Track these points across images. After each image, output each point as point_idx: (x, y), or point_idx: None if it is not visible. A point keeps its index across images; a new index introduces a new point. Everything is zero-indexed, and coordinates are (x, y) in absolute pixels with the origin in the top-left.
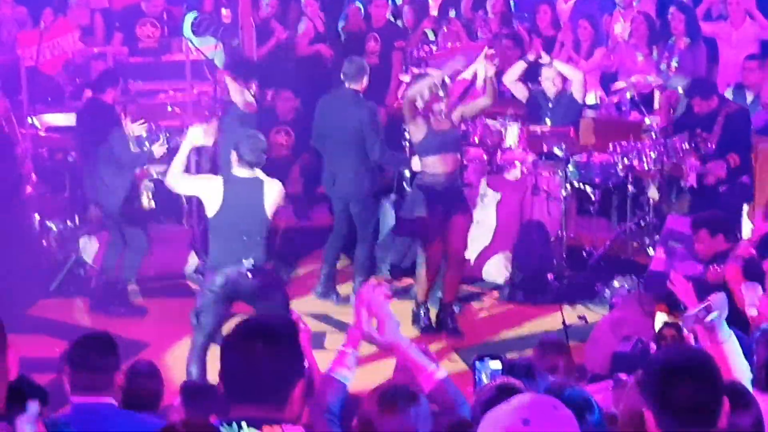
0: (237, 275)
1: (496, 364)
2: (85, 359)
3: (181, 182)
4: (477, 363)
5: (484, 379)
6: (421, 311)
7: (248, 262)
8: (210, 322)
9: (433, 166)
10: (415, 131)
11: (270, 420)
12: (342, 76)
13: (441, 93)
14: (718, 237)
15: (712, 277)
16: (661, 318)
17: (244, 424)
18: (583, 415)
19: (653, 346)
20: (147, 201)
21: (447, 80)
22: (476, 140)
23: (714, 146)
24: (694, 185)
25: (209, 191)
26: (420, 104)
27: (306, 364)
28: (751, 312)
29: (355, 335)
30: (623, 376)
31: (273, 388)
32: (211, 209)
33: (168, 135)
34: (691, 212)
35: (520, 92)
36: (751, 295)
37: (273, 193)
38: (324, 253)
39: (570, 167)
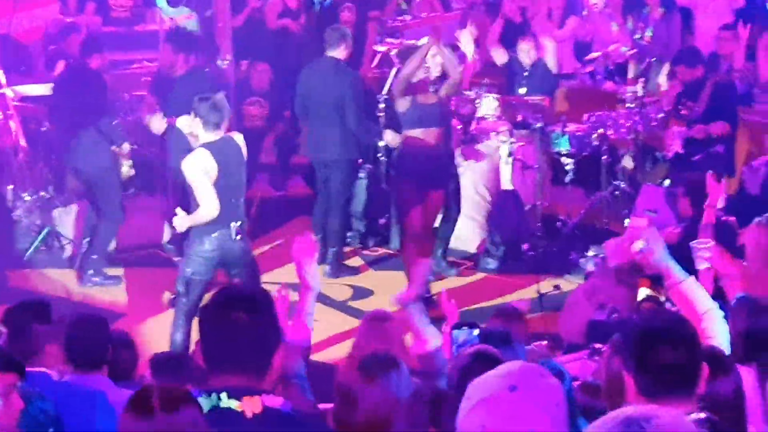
0: (227, 238)
1: (473, 333)
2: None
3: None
4: (454, 332)
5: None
6: None
7: (236, 225)
8: (200, 289)
9: (416, 138)
10: (402, 103)
11: (250, 390)
12: (324, 45)
13: (430, 66)
14: (685, 200)
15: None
16: (643, 292)
17: (224, 395)
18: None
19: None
20: (127, 169)
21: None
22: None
23: (700, 115)
24: (680, 151)
25: (211, 172)
26: (414, 80)
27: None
28: (701, 266)
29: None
30: (599, 345)
31: (252, 357)
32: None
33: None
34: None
35: (500, 57)
36: (701, 251)
37: (244, 148)
38: (313, 227)
39: (545, 137)
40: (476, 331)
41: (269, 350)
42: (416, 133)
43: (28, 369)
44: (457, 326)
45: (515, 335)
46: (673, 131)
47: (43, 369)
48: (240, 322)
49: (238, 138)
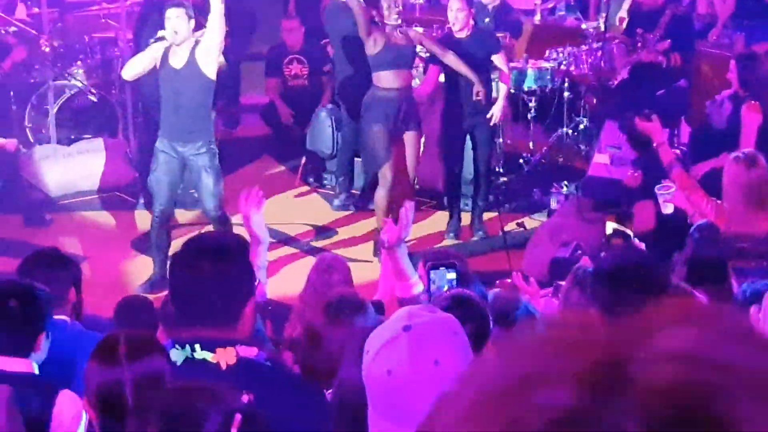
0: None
1: (451, 274)
2: (35, 276)
3: None
4: (432, 272)
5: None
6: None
7: None
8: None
9: (386, 80)
10: (372, 45)
11: (223, 341)
12: None
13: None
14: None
15: (628, 182)
16: (610, 226)
17: (197, 346)
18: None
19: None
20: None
21: None
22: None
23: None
24: (626, 77)
25: None
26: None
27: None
28: (667, 210)
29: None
30: (562, 282)
31: (223, 307)
32: None
33: None
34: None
35: None
36: (664, 194)
37: None
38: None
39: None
40: (453, 274)
41: (241, 299)
42: (387, 74)
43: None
44: (435, 267)
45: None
46: (624, 61)
47: (63, 317)
48: (208, 272)
49: None
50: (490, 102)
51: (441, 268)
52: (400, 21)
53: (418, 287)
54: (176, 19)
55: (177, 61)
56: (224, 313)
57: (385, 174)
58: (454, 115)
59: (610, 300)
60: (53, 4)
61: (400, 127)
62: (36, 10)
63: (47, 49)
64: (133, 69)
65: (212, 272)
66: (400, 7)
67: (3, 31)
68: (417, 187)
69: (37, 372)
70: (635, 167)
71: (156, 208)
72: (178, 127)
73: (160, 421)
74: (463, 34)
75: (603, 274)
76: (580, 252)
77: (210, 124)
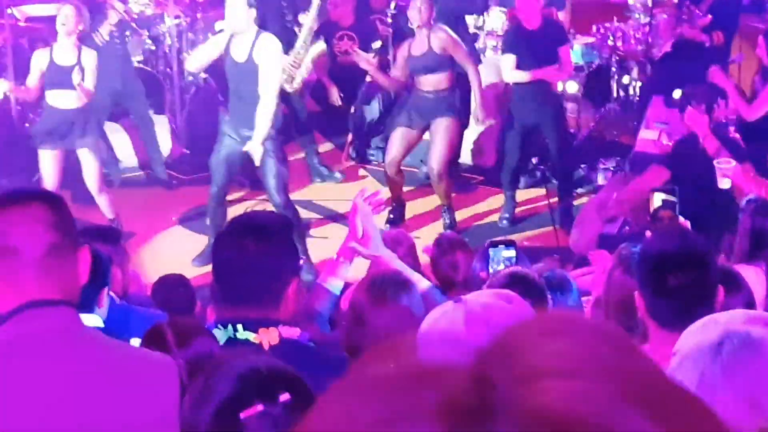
0: None
1: (509, 252)
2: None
3: None
4: (490, 250)
5: (496, 266)
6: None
7: None
8: None
9: (422, 84)
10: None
11: (265, 321)
12: None
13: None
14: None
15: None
16: (659, 197)
17: (240, 326)
18: (562, 293)
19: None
20: None
21: None
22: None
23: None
24: (669, 51)
25: None
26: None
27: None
28: (724, 184)
29: (351, 248)
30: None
31: (266, 287)
32: None
33: None
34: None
35: None
36: (723, 168)
37: None
38: None
39: None
40: (511, 251)
41: (284, 280)
42: (419, 79)
43: None
44: (494, 245)
45: (463, 263)
46: (665, 28)
47: (111, 294)
48: (251, 252)
49: None
50: (555, 95)
51: (500, 246)
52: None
53: (423, 284)
54: (234, 9)
55: (238, 53)
56: (267, 293)
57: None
58: (518, 107)
59: (656, 284)
60: None
61: (419, 121)
62: None
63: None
64: (198, 61)
65: (255, 252)
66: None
67: None
68: (464, 164)
69: (102, 326)
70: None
71: (213, 187)
72: (242, 114)
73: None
74: (534, 25)
75: (648, 258)
76: (627, 228)
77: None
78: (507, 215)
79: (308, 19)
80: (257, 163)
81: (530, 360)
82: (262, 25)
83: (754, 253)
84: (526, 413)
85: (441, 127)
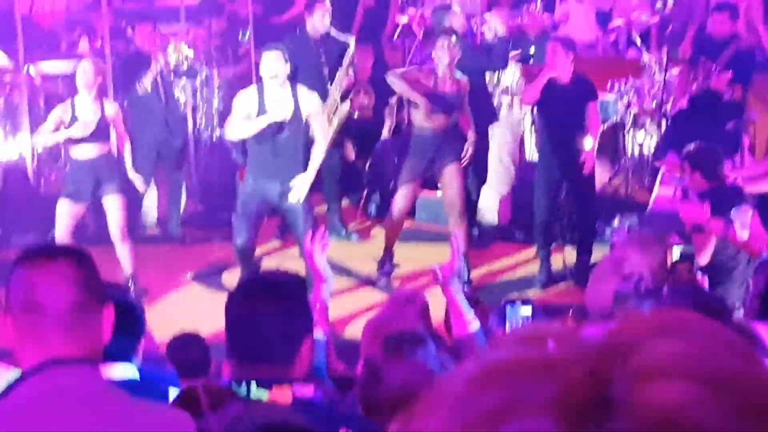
0: None
1: (526, 309)
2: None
3: None
4: (507, 307)
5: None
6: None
7: None
8: None
9: (420, 121)
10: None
11: (279, 379)
12: None
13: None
14: (696, 174)
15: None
16: (677, 250)
17: (253, 384)
18: None
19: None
20: None
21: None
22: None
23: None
24: (684, 107)
25: None
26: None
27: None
28: (743, 235)
29: (319, 287)
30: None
31: (280, 345)
32: None
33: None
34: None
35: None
36: (742, 217)
37: None
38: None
39: None
40: (528, 309)
41: (297, 338)
42: (422, 117)
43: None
44: (511, 302)
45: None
46: (680, 84)
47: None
48: (264, 310)
49: None
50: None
51: (516, 304)
52: (448, 62)
53: (475, 324)
54: (273, 63)
55: (279, 108)
56: (280, 351)
57: (400, 210)
58: (546, 165)
59: None
60: (117, 35)
61: (432, 161)
62: (99, 43)
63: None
64: (243, 131)
65: (268, 310)
66: (455, 52)
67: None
68: (482, 221)
69: (138, 377)
70: (701, 199)
71: (237, 242)
72: (273, 165)
73: None
74: (564, 80)
75: None
76: (643, 284)
77: (301, 159)
78: (542, 276)
79: (341, 74)
80: (293, 199)
81: (648, 358)
82: (297, 78)
83: (766, 314)
84: (643, 411)
85: (452, 176)
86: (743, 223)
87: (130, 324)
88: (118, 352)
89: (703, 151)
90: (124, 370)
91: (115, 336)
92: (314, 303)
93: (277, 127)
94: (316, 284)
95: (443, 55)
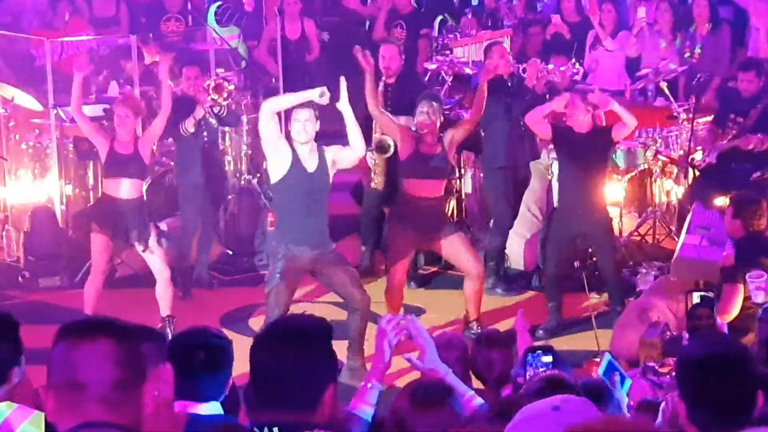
0: None
1: (547, 357)
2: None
3: None
4: (529, 356)
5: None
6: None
7: None
8: None
9: (412, 189)
10: (402, 150)
11: (302, 425)
12: None
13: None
14: (737, 221)
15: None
16: (696, 296)
17: (276, 429)
18: (600, 402)
19: (685, 335)
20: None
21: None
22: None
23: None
24: (713, 162)
25: None
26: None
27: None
28: (758, 298)
29: (379, 369)
30: (651, 363)
31: (303, 391)
32: None
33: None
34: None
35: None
36: (755, 281)
37: None
38: None
39: None
40: (549, 357)
41: (321, 384)
42: (414, 183)
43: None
44: (532, 350)
45: (499, 360)
46: (708, 139)
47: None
48: (288, 356)
49: None
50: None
51: (538, 352)
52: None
53: (477, 400)
54: (306, 122)
55: (309, 163)
56: (304, 397)
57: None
58: (564, 215)
59: (696, 390)
60: (148, 81)
61: (426, 235)
62: (128, 87)
63: None
64: (277, 103)
65: (293, 356)
66: (439, 116)
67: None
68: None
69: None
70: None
71: (271, 318)
72: (309, 229)
73: None
74: (583, 129)
75: (688, 365)
76: (668, 333)
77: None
78: (547, 327)
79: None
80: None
81: None
82: None
83: None
84: None
85: (457, 243)
86: (758, 286)
87: (222, 362)
88: (212, 391)
89: (747, 200)
90: (211, 409)
91: (206, 376)
92: (368, 380)
93: (308, 184)
94: (374, 364)
95: (424, 119)
